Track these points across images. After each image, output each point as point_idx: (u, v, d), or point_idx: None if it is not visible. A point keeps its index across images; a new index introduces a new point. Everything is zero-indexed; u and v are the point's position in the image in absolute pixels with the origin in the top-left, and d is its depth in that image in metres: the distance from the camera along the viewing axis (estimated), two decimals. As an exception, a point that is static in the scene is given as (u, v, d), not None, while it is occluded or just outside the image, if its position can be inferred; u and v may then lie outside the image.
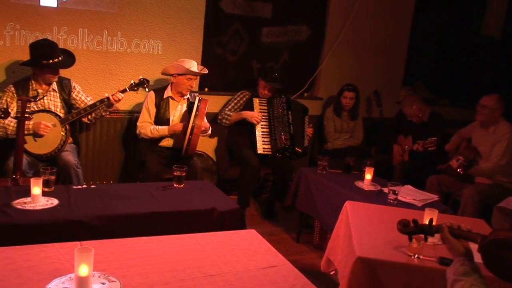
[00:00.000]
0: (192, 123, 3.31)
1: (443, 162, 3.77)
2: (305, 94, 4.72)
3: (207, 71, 3.61)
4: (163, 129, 3.45)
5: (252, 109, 3.86)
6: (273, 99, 3.92)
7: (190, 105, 3.51)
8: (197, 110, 3.34)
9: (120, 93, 3.21)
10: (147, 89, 3.38)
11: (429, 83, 5.45)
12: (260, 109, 3.87)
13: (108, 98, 3.19)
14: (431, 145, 3.80)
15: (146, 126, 3.47)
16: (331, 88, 4.62)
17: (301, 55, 4.61)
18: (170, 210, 2.32)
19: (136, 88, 3.33)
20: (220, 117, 3.91)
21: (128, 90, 3.28)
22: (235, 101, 3.93)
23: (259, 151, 3.77)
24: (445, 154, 3.88)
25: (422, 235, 1.67)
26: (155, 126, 3.45)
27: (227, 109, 3.92)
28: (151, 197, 2.44)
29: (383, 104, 4.72)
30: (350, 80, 4.45)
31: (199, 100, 3.41)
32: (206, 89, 4.23)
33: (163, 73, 3.55)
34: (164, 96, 3.51)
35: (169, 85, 3.55)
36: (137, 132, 3.51)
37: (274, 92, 3.94)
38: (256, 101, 3.87)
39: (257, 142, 3.79)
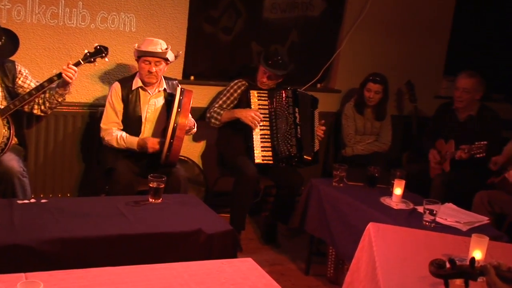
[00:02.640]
0: (174, 123, 3.31)
1: (496, 174, 3.75)
2: (318, 85, 4.72)
3: (177, 54, 3.56)
4: (132, 141, 3.45)
5: (248, 104, 3.84)
6: (276, 92, 3.91)
7: (170, 99, 3.51)
8: (179, 106, 3.34)
9: (74, 66, 3.20)
10: (106, 59, 3.39)
11: (478, 72, 5.46)
12: (259, 105, 3.87)
13: (59, 74, 3.18)
14: (479, 151, 3.79)
15: (112, 131, 3.47)
16: (351, 78, 4.61)
17: (314, 35, 4.60)
18: (144, 232, 2.32)
19: (92, 59, 3.33)
20: (208, 115, 3.91)
21: (82, 62, 3.27)
22: (228, 94, 3.93)
23: (257, 160, 3.78)
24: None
25: (462, 279, 1.66)
26: (122, 134, 3.46)
27: (217, 105, 3.91)
28: (120, 215, 2.44)
29: (418, 98, 4.72)
30: (376, 68, 4.44)
31: (182, 92, 3.40)
32: (192, 78, 4.23)
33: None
34: (133, 87, 3.51)
35: (137, 73, 3.56)
36: (101, 135, 3.51)
37: (276, 82, 3.94)
38: (254, 94, 3.87)
39: (255, 148, 3.79)
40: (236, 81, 3.95)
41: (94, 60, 3.34)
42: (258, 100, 3.87)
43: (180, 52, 3.77)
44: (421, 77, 4.90)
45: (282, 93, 3.89)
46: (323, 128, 4.02)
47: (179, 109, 3.34)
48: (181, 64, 4.09)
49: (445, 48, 5.09)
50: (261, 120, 3.81)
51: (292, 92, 3.92)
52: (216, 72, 4.31)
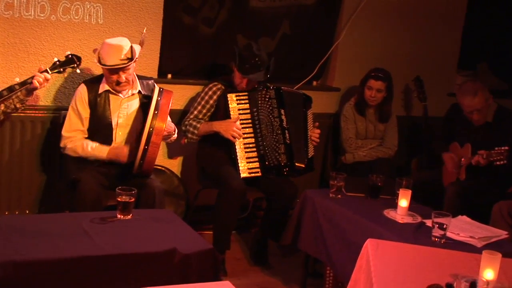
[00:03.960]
0: (149, 127, 3.31)
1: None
2: (314, 83, 4.74)
3: (142, 39, 3.51)
4: (101, 149, 3.45)
5: (227, 111, 3.81)
6: (257, 93, 3.91)
7: (146, 101, 3.51)
8: (156, 108, 3.35)
9: (47, 73, 3.20)
10: (78, 70, 3.39)
11: (496, 65, 5.50)
12: (239, 109, 3.85)
13: (23, 82, 3.17)
14: (499, 157, 3.80)
15: (76, 139, 3.46)
16: (351, 75, 4.64)
17: (308, 26, 4.63)
18: (109, 253, 2.31)
19: (62, 69, 3.34)
20: (183, 127, 3.89)
21: (50, 72, 3.27)
22: (203, 102, 3.90)
23: (244, 174, 3.78)
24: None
25: None
26: (89, 142, 3.46)
27: (192, 116, 3.89)
28: (83, 234, 2.44)
29: (428, 97, 4.74)
30: (380, 63, 4.47)
31: (160, 93, 3.42)
32: (170, 76, 4.25)
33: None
34: (100, 91, 3.51)
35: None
36: (62, 145, 3.50)
37: (256, 82, 3.91)
38: (232, 97, 3.84)
39: (239, 160, 3.78)
40: (210, 85, 3.92)
41: (64, 71, 3.34)
42: (238, 104, 3.86)
43: (144, 31, 3.69)
44: (431, 72, 4.94)
45: (264, 94, 3.90)
46: (318, 131, 4.02)
47: (156, 112, 3.34)
48: (156, 60, 4.10)
49: (459, 38, 5.13)
50: (243, 127, 3.80)
51: (275, 92, 3.92)
52: (196, 70, 4.33)
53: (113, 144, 3.49)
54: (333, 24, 4.71)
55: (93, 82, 3.55)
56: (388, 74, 4.32)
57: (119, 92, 3.51)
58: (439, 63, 5.05)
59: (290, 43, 4.59)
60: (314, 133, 4.00)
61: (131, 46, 3.45)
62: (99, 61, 3.42)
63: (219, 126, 3.79)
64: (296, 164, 3.87)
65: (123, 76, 3.42)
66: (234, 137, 3.75)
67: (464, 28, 5.14)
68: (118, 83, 3.44)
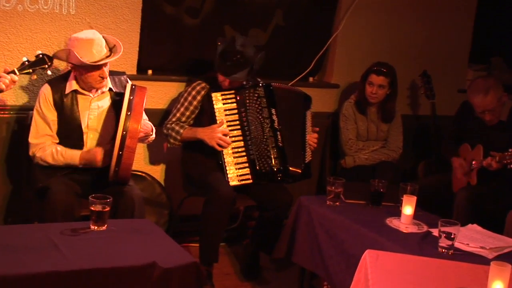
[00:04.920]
0: (122, 130, 3.32)
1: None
2: (311, 79, 4.76)
3: (117, 53, 3.49)
4: (72, 155, 3.45)
5: (212, 113, 3.81)
6: (245, 91, 3.91)
7: (118, 99, 3.50)
8: (129, 109, 3.35)
9: (14, 75, 3.18)
10: (49, 72, 3.38)
11: (512, 59, 5.54)
12: (225, 110, 3.86)
13: None
14: (513, 160, 3.84)
15: (45, 146, 3.46)
16: (351, 70, 4.66)
17: (304, 15, 4.63)
18: (81, 268, 2.31)
19: (31, 70, 3.32)
20: (165, 131, 3.90)
21: (17, 73, 3.27)
22: (186, 103, 3.91)
23: (233, 182, 3.79)
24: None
25: None
26: (59, 148, 3.46)
27: (174, 118, 3.90)
28: (52, 248, 2.44)
29: (436, 94, 4.76)
30: (383, 57, 4.49)
31: (132, 90, 3.41)
32: (150, 72, 4.25)
33: (54, 57, 3.43)
34: (67, 91, 3.50)
35: (71, 72, 3.54)
36: (31, 154, 3.49)
37: (242, 82, 3.92)
38: (217, 97, 3.85)
39: (227, 167, 3.79)
40: (194, 84, 3.93)
41: (34, 72, 3.31)
42: (224, 104, 3.86)
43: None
44: (440, 66, 4.97)
45: (252, 93, 3.90)
46: (316, 135, 4.03)
47: (129, 112, 3.34)
48: (135, 55, 4.10)
49: (470, 28, 5.14)
50: (230, 143, 3.80)
51: (264, 90, 3.91)
52: (180, 65, 4.34)
53: (84, 149, 3.49)
54: (332, 14, 4.72)
55: (58, 82, 3.53)
56: (391, 68, 4.34)
57: (90, 90, 3.51)
58: (449, 56, 5.08)
59: (283, 35, 4.59)
60: (311, 138, 4.01)
61: (102, 37, 3.46)
62: (75, 59, 3.38)
63: (203, 134, 3.79)
64: (291, 169, 3.86)
65: (105, 71, 3.44)
66: (219, 144, 3.75)
67: (476, 18, 5.16)
68: (100, 80, 3.45)
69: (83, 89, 3.51)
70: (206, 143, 3.76)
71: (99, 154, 3.44)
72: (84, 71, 3.43)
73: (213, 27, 4.37)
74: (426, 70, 4.82)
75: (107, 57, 3.44)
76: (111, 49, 3.47)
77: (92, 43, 3.39)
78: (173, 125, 3.86)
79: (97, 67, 3.40)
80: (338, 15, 4.72)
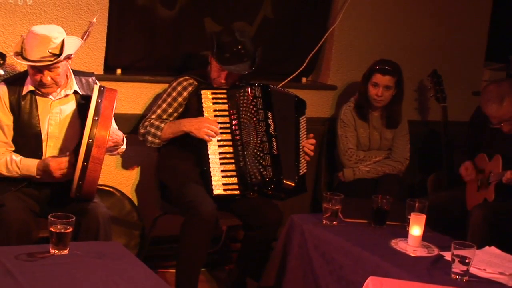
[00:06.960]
0: (88, 138, 3.29)
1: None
2: (304, 80, 4.78)
3: (89, 27, 3.49)
4: (29, 164, 3.43)
5: (200, 111, 3.85)
6: (239, 91, 3.95)
7: (84, 103, 3.50)
8: (96, 113, 3.33)
9: None
10: (1, 71, 3.38)
11: None
12: (215, 110, 3.89)
13: None
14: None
15: None
16: (350, 69, 4.69)
17: (296, 7, 4.65)
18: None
19: None
20: (142, 130, 3.92)
21: None
22: (170, 99, 3.95)
23: (217, 190, 3.79)
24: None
25: None
26: (13, 156, 3.44)
27: (154, 115, 3.93)
28: (6, 275, 2.42)
29: (447, 96, 4.76)
30: (386, 54, 4.52)
31: (100, 92, 3.40)
32: (119, 71, 4.25)
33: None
34: (24, 91, 3.49)
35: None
36: None
37: (237, 79, 3.97)
38: (206, 95, 3.88)
39: (212, 174, 3.79)
40: (180, 79, 3.97)
41: None
42: (214, 103, 3.90)
43: (94, 20, 3.61)
44: (452, 65, 5.00)
45: (248, 92, 3.92)
46: (312, 141, 4.03)
47: (97, 117, 3.33)
48: (102, 52, 4.09)
49: (487, 23, 5.18)
50: (220, 130, 3.82)
51: (261, 90, 3.95)
52: (153, 63, 4.35)
53: (42, 158, 3.47)
54: (328, 5, 4.74)
55: (15, 81, 3.52)
56: (397, 66, 4.37)
57: (48, 94, 3.49)
58: (462, 54, 5.12)
59: (272, 29, 4.61)
60: (307, 145, 4.02)
61: (63, 39, 3.39)
62: (21, 54, 3.35)
63: (189, 125, 3.81)
64: (285, 181, 3.87)
65: (48, 77, 3.38)
66: (208, 135, 3.77)
67: (493, 11, 5.20)
68: (42, 84, 3.41)
69: (40, 90, 3.49)
70: (193, 135, 3.79)
71: (53, 163, 3.39)
72: (28, 69, 3.42)
73: (191, 19, 4.38)
74: (436, 70, 4.84)
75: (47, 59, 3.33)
76: (59, 55, 3.38)
77: (40, 40, 3.32)
78: (152, 121, 3.89)
79: (35, 68, 3.35)
80: (335, 7, 4.74)
